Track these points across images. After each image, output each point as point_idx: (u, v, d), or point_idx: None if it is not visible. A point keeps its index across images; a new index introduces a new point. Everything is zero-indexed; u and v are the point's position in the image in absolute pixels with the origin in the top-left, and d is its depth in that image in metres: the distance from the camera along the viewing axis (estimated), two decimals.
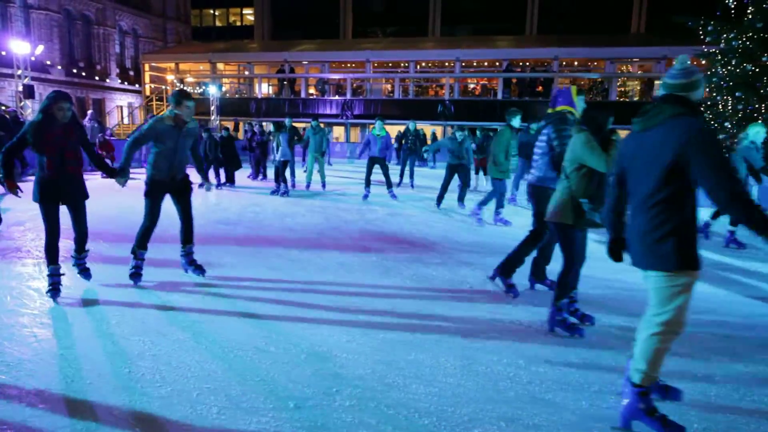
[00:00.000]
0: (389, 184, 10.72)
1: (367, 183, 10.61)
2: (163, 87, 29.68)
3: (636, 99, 26.19)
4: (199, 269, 5.02)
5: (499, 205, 8.15)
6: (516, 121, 7.64)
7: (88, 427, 2.52)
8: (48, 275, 4.34)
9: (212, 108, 25.88)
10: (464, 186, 9.54)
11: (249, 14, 37.89)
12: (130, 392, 2.83)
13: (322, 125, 12.11)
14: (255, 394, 2.87)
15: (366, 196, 10.47)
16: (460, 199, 9.57)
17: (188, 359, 3.24)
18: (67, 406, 2.65)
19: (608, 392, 2.99)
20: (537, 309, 4.31)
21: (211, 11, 38.75)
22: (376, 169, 10.65)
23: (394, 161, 17.14)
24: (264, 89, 30.15)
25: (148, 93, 29.05)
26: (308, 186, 11.93)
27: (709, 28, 11.07)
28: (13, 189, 4.20)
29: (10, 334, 3.55)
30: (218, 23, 39.18)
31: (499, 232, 7.61)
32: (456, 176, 9.31)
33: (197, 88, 30.73)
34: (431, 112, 24.76)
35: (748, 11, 10.56)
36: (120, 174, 4.56)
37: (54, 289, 4.29)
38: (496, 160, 7.75)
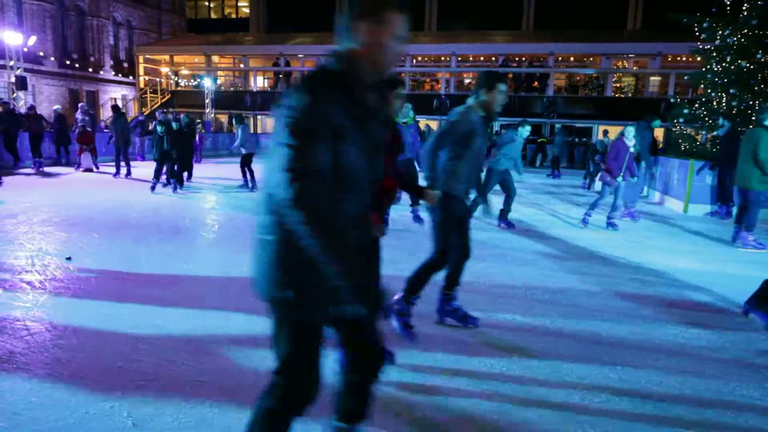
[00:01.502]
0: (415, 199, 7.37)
1: None
2: (158, 79, 29.53)
3: (631, 95, 26.28)
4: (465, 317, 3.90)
5: (753, 222, 6.79)
6: None
7: (81, 420, 2.52)
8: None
9: (207, 101, 25.78)
10: (512, 196, 7.77)
11: (244, 6, 37.65)
12: (123, 385, 2.83)
13: None
14: (248, 386, 2.87)
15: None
16: (504, 216, 7.72)
17: (182, 352, 3.24)
18: (59, 399, 2.64)
19: (600, 387, 3.01)
20: (532, 304, 4.34)
21: (206, 3, 38.50)
22: None
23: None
24: (259, 82, 30.04)
25: (142, 85, 28.87)
26: None
27: (705, 24, 11.10)
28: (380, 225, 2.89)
29: (3, 327, 3.54)
30: (213, 15, 38.94)
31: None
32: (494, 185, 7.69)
33: (192, 80, 30.61)
34: (427, 107, 24.75)
35: (743, 8, 10.59)
36: (433, 192, 3.32)
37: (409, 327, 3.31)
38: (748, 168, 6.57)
